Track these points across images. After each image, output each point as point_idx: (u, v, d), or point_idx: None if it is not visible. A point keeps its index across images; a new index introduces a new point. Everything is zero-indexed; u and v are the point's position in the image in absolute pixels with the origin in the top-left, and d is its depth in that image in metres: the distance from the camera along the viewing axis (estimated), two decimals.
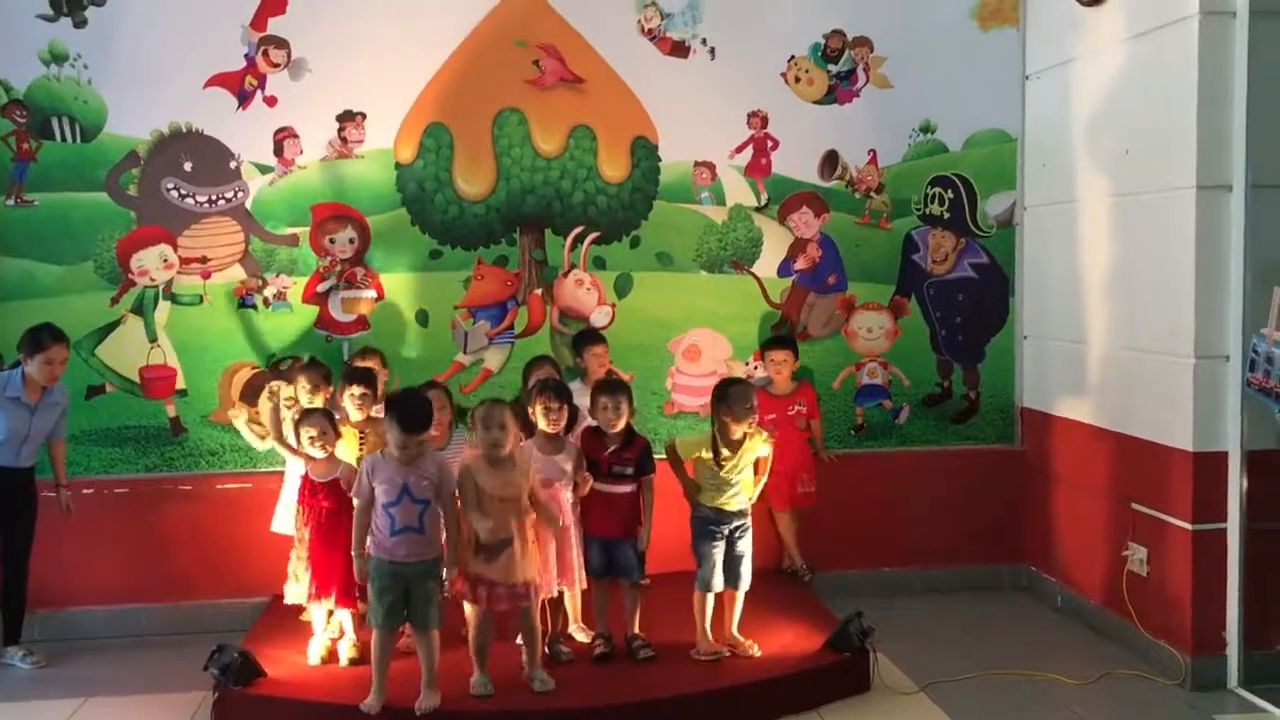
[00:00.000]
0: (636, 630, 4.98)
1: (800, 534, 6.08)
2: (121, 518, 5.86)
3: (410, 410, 4.43)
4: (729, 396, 4.84)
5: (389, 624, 4.44)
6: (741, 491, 4.90)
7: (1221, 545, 4.89)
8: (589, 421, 5.14)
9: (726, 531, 4.89)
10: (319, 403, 5.21)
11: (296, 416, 5.07)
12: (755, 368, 6.25)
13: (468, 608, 4.65)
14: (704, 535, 4.91)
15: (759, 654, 4.94)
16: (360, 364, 5.63)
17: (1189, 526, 4.95)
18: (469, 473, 4.51)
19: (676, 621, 5.03)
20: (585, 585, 5.02)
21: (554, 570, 4.82)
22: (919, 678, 5.02)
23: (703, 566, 4.90)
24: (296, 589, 5.01)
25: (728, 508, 4.88)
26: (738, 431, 4.83)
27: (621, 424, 4.92)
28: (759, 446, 4.92)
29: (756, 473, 4.98)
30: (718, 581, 4.90)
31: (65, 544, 5.78)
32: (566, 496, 4.85)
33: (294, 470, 5.26)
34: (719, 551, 4.90)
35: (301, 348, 5.96)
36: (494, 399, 4.68)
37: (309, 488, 4.98)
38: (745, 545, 4.95)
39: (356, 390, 5.20)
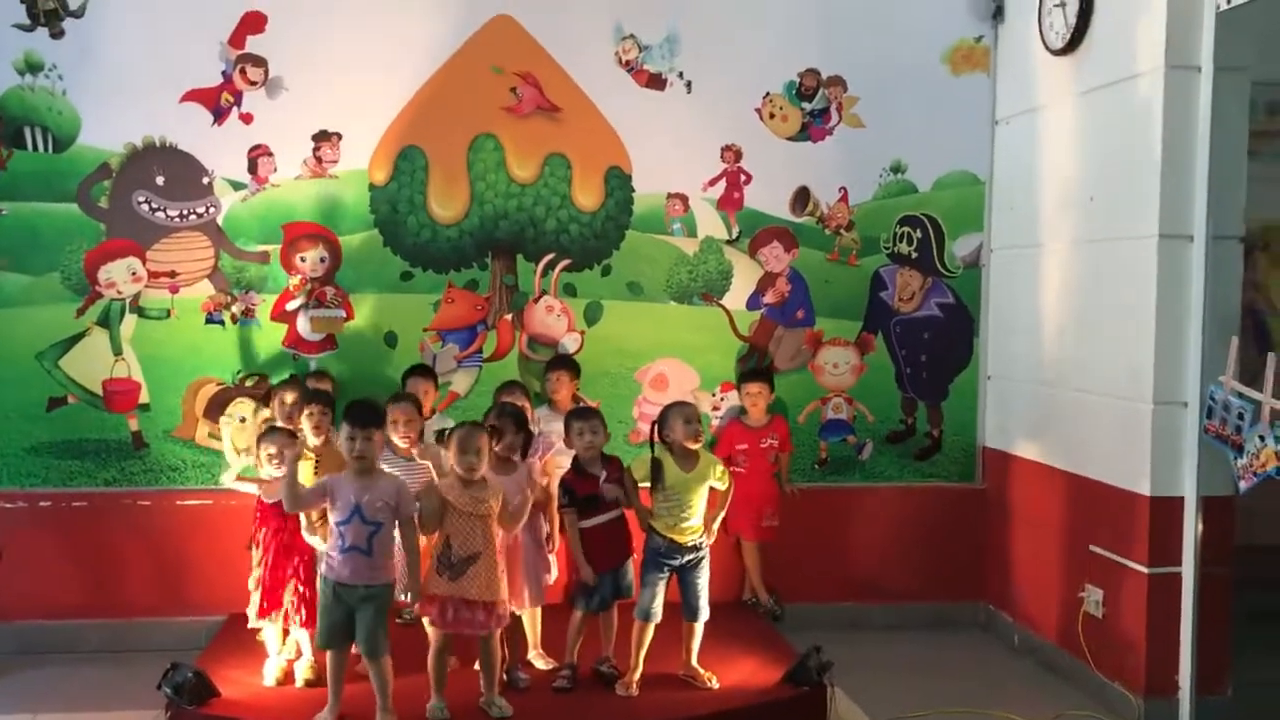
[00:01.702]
0: (612, 652, 4.99)
1: (764, 568, 6.10)
2: (79, 531, 5.80)
3: (358, 404, 4.49)
4: (667, 418, 4.89)
5: (330, 643, 4.43)
6: (695, 522, 4.88)
7: (1176, 589, 4.95)
8: (555, 449, 5.14)
9: (677, 564, 4.90)
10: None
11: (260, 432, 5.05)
12: (722, 399, 6.28)
13: (429, 629, 4.65)
14: (653, 565, 4.90)
15: (717, 686, 4.94)
16: (315, 386, 5.62)
17: (1145, 570, 5.01)
18: (435, 489, 4.50)
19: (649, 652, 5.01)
20: (536, 605, 5.02)
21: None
22: (876, 713, 5.03)
23: (644, 595, 4.89)
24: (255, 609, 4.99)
25: (680, 540, 4.88)
26: (687, 444, 4.83)
27: (600, 447, 4.92)
28: (716, 474, 4.92)
29: (711, 508, 4.98)
30: (657, 611, 4.88)
31: (19, 555, 5.72)
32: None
33: None
34: (664, 582, 4.90)
35: (268, 365, 5.94)
36: (472, 423, 4.67)
37: (264, 509, 4.95)
38: (702, 577, 4.94)
39: (315, 409, 5.17)
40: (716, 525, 5.03)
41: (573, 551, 4.89)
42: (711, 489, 4.94)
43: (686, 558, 4.89)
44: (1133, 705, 5.04)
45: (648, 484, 4.92)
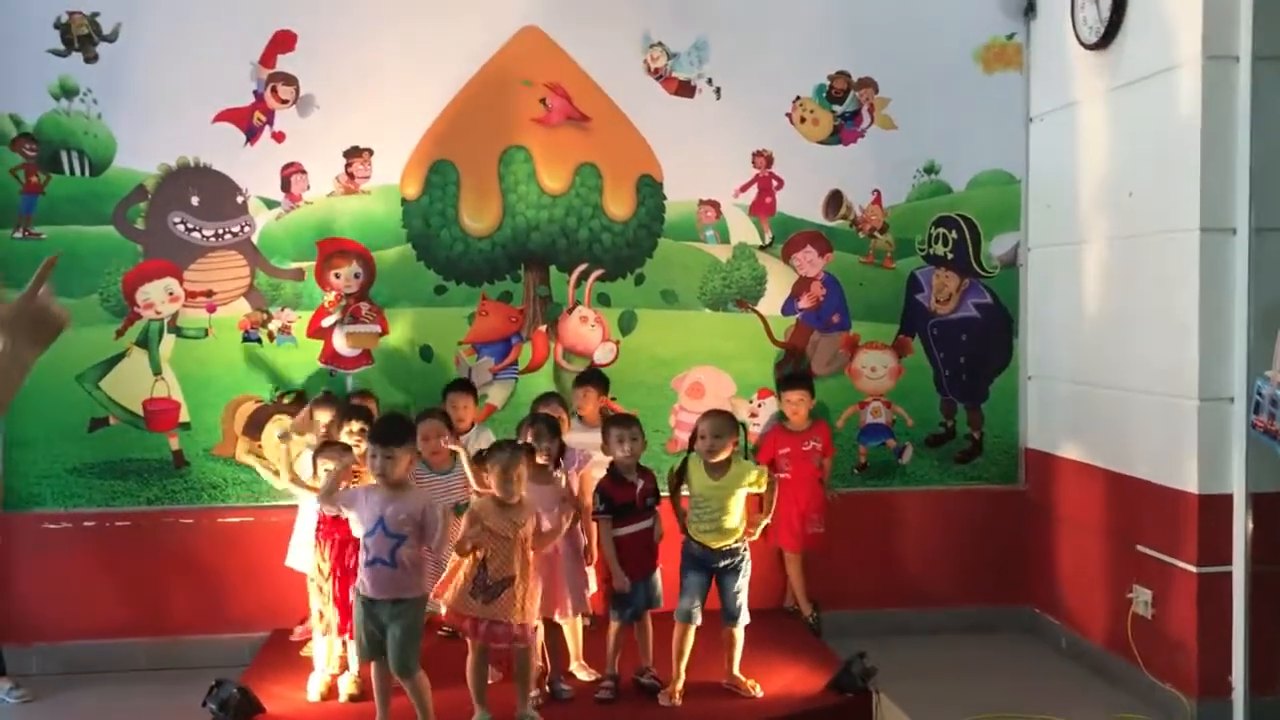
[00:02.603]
0: (651, 663, 4.96)
1: (806, 577, 6.04)
2: (123, 550, 5.85)
3: (382, 421, 4.57)
4: (698, 428, 4.89)
5: (370, 656, 4.44)
6: (730, 527, 4.84)
7: (1227, 588, 4.85)
8: (593, 461, 5.12)
9: (714, 569, 4.86)
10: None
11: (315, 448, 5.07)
12: (759, 405, 6.25)
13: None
14: (690, 568, 4.89)
15: (761, 694, 4.91)
16: (359, 403, 5.64)
17: (1194, 569, 4.93)
18: (477, 515, 4.47)
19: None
20: (582, 617, 5.01)
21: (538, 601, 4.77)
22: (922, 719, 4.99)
23: (684, 597, 4.87)
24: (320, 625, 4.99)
25: (713, 545, 4.84)
26: (718, 456, 4.81)
27: (639, 455, 4.92)
28: (750, 480, 4.88)
29: (755, 511, 4.95)
30: (697, 614, 4.85)
31: (66, 577, 5.77)
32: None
33: (308, 506, 5.20)
34: (702, 585, 4.87)
35: (305, 382, 5.97)
36: (513, 446, 4.61)
37: (327, 522, 4.93)
38: (741, 582, 4.89)
39: (355, 425, 5.17)
40: (761, 526, 4.97)
41: (607, 559, 4.88)
42: (750, 494, 4.91)
43: (723, 562, 4.86)
44: (1185, 707, 4.96)
45: (665, 493, 4.93)
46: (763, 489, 4.93)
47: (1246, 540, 4.80)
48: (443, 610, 4.62)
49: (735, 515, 4.86)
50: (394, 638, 4.36)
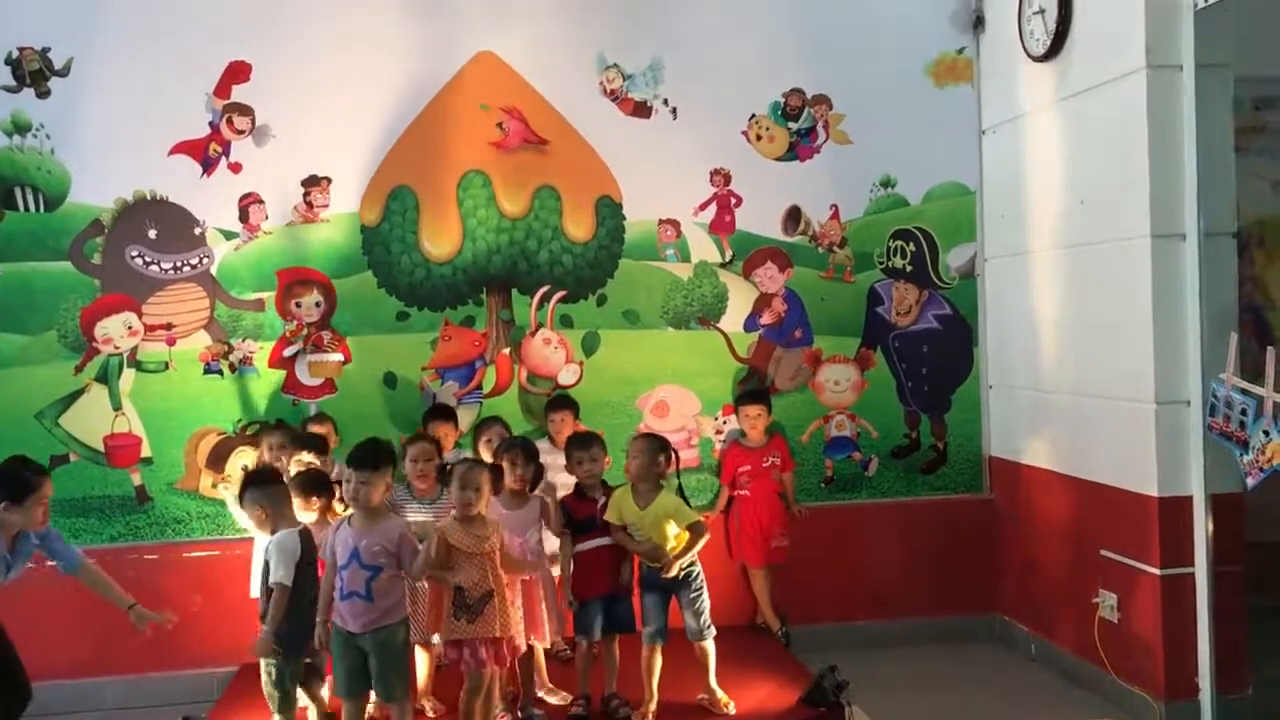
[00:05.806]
0: (615, 688, 4.94)
1: (773, 591, 6.05)
2: (87, 588, 5.76)
3: (359, 447, 4.46)
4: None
5: (346, 690, 4.40)
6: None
7: (1190, 589, 4.91)
8: (547, 484, 5.12)
9: (666, 585, 4.84)
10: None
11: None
12: (724, 423, 6.27)
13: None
14: (644, 589, 4.89)
15: (734, 711, 4.91)
16: (315, 429, 5.58)
17: (1157, 571, 4.98)
18: (442, 534, 4.44)
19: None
20: (556, 640, 4.99)
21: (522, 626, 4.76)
22: None
23: (647, 617, 4.86)
24: None
25: (654, 566, 4.82)
26: (630, 473, 4.84)
27: (599, 475, 4.93)
28: (675, 515, 4.80)
29: (679, 544, 4.83)
30: (663, 633, 4.85)
31: (29, 618, 5.67)
32: (529, 551, 4.80)
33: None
34: (662, 603, 4.86)
35: (268, 413, 5.93)
36: (473, 460, 4.67)
37: None
38: (697, 594, 4.88)
39: (305, 456, 5.13)
40: (676, 565, 4.78)
41: (562, 573, 4.88)
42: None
43: (670, 576, 4.82)
44: (1154, 709, 4.99)
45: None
46: (683, 538, 4.82)
47: (1208, 541, 4.85)
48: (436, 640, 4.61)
49: (669, 541, 4.81)
50: (378, 666, 4.34)
